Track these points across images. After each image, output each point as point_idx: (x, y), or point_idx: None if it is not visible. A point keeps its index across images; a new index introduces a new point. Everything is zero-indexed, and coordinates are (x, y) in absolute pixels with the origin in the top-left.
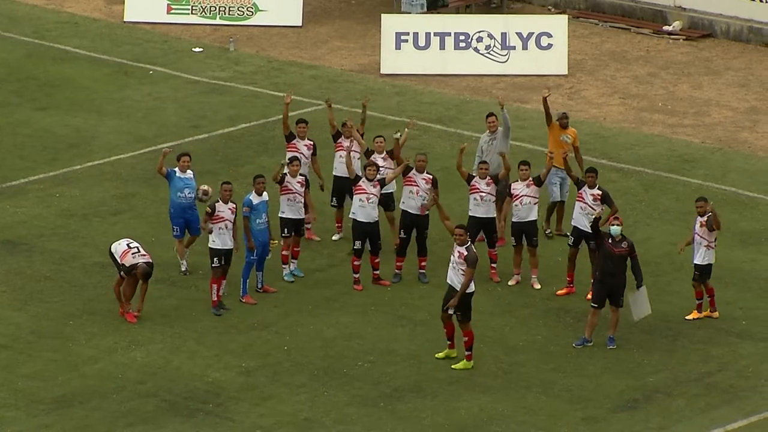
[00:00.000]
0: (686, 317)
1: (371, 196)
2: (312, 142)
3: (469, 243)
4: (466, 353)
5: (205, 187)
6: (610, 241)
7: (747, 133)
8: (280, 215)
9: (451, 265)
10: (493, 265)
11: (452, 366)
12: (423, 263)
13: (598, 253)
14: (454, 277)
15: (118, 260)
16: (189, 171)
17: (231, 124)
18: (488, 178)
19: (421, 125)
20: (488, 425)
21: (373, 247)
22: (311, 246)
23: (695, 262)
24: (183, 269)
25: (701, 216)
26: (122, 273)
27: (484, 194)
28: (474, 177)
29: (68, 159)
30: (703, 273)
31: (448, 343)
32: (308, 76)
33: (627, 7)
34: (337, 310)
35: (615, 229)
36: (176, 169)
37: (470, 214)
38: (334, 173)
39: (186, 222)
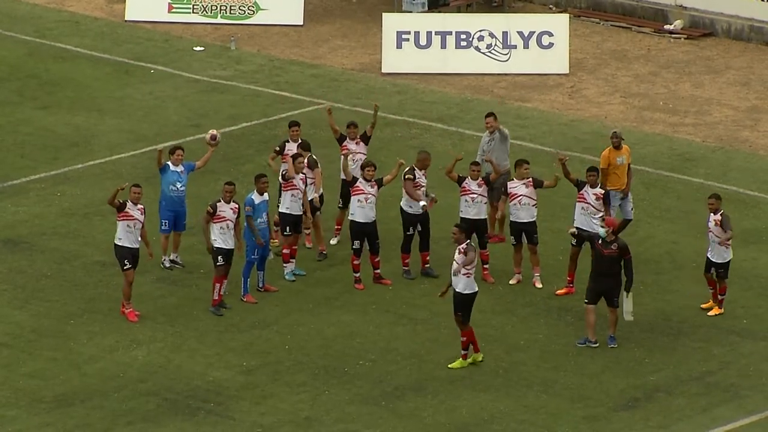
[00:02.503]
0: (708, 314)
1: (369, 196)
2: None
3: (467, 241)
4: (462, 352)
5: (214, 132)
6: (600, 242)
7: (748, 132)
8: (283, 211)
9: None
10: (485, 266)
11: (449, 365)
12: (427, 257)
13: (593, 254)
14: (454, 277)
15: (123, 235)
16: (181, 165)
17: (232, 123)
18: (479, 179)
19: (422, 124)
20: (489, 424)
21: (371, 246)
22: (312, 245)
23: (712, 259)
24: (167, 265)
25: (714, 213)
26: (119, 198)
27: (475, 195)
28: (465, 179)
29: (69, 158)
30: (723, 269)
31: (463, 353)
32: (309, 74)
33: (628, 6)
34: (338, 309)
35: (602, 231)
36: (169, 162)
37: (461, 215)
38: (341, 177)
39: (175, 216)
